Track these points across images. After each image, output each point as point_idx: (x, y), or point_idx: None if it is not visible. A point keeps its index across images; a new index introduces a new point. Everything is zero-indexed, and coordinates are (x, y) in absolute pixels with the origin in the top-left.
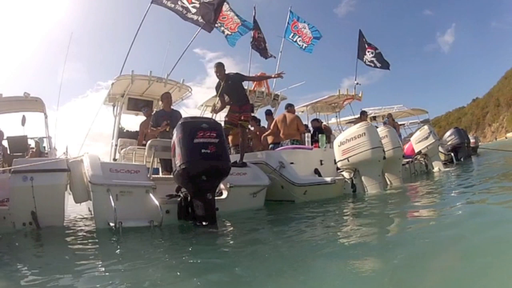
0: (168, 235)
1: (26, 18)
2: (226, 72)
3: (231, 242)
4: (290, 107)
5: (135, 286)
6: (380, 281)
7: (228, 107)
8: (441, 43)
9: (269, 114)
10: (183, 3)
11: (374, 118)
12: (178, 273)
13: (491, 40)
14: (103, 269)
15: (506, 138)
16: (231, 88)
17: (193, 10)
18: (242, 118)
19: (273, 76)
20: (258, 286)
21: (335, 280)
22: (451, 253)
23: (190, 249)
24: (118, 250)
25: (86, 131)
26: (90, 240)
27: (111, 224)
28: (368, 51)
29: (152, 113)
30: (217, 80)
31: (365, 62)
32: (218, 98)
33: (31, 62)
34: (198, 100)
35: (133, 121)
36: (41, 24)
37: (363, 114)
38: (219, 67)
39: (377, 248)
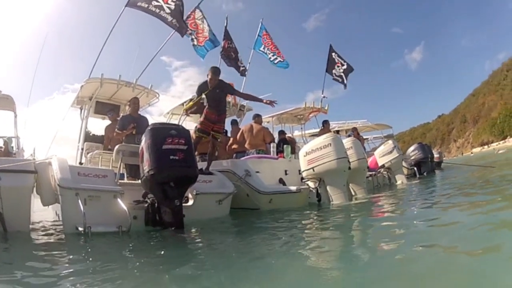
0: (137, 241)
1: (15, 11)
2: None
3: (198, 250)
4: (257, 118)
5: None
6: None
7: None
8: (409, 60)
9: (234, 124)
10: (158, 1)
11: (337, 132)
12: (147, 280)
13: (460, 58)
14: (72, 275)
15: (472, 153)
16: (217, 96)
17: (168, 10)
18: (215, 128)
19: (264, 101)
20: None
21: None
22: (414, 264)
23: (158, 256)
24: (88, 256)
25: (52, 134)
26: (58, 245)
27: (80, 229)
28: (338, 66)
29: (118, 118)
30: (199, 82)
31: (333, 77)
32: (194, 97)
33: (21, 58)
34: (163, 108)
35: (99, 125)
36: (30, 18)
37: (326, 123)
38: (215, 73)
39: (341, 260)
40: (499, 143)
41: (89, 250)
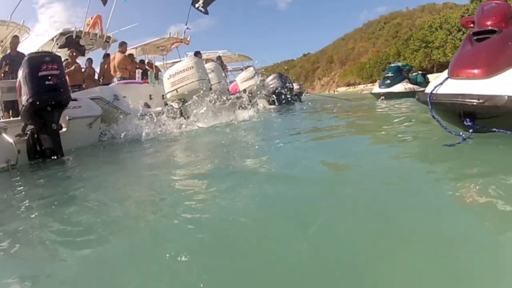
0: (28, 173)
1: None
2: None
3: (79, 180)
4: (121, 46)
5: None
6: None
7: None
8: (278, 0)
9: (106, 57)
10: None
11: None
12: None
13: (334, 4)
14: None
15: (336, 91)
16: None
17: None
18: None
19: None
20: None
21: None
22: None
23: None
24: None
25: None
26: None
27: None
28: None
29: None
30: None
31: (197, 9)
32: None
33: None
34: (26, 48)
35: None
36: None
37: (198, 53)
38: None
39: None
40: (366, 85)
41: None
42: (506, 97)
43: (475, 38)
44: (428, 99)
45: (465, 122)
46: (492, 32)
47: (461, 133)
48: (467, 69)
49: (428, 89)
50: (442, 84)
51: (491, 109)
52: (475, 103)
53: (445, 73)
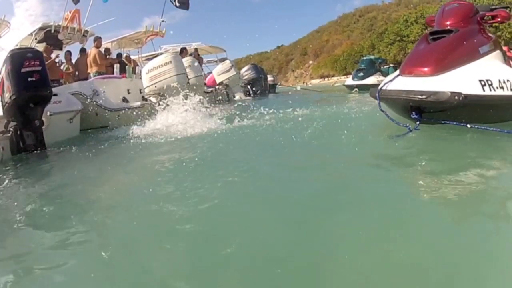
0: (12, 168)
1: None
2: None
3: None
4: (96, 41)
5: None
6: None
7: None
8: None
9: (83, 51)
10: None
11: None
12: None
13: None
14: None
15: (310, 84)
16: None
17: None
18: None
19: None
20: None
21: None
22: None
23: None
24: None
25: None
26: None
27: None
28: None
29: None
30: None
31: (173, 3)
32: None
33: None
34: (5, 42)
35: None
36: None
37: (184, 49)
38: None
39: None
40: (340, 78)
41: None
42: (449, 93)
43: (431, 37)
44: (377, 94)
45: (411, 115)
46: (449, 32)
47: (407, 125)
48: (416, 67)
49: (380, 86)
50: (392, 81)
51: (436, 104)
52: (418, 99)
53: (398, 71)
